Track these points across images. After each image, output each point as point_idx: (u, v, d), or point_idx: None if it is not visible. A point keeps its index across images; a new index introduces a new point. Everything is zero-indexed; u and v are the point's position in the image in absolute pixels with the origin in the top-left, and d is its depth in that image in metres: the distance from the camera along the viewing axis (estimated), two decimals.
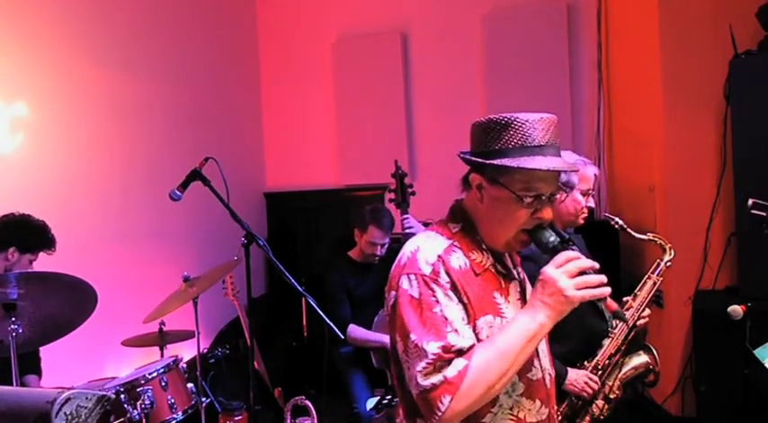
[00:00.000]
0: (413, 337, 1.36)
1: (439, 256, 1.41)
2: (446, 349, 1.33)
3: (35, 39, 3.47)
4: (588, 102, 4.66)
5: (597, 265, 1.38)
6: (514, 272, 1.56)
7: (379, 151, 4.94)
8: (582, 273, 1.36)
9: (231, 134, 5.12)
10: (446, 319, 1.36)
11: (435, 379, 1.32)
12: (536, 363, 1.50)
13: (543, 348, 1.56)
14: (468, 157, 1.48)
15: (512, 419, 1.44)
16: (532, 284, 1.63)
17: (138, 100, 4.15)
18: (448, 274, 1.39)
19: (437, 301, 1.37)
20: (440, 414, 1.32)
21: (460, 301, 1.39)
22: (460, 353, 1.34)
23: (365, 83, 5.13)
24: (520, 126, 1.40)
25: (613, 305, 1.39)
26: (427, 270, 1.39)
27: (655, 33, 3.75)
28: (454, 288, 1.39)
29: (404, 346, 1.39)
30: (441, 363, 1.33)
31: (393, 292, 1.44)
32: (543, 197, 1.42)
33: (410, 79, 5.09)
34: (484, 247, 1.49)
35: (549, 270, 1.37)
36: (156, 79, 4.33)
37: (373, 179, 4.93)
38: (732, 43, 3.39)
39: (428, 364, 1.33)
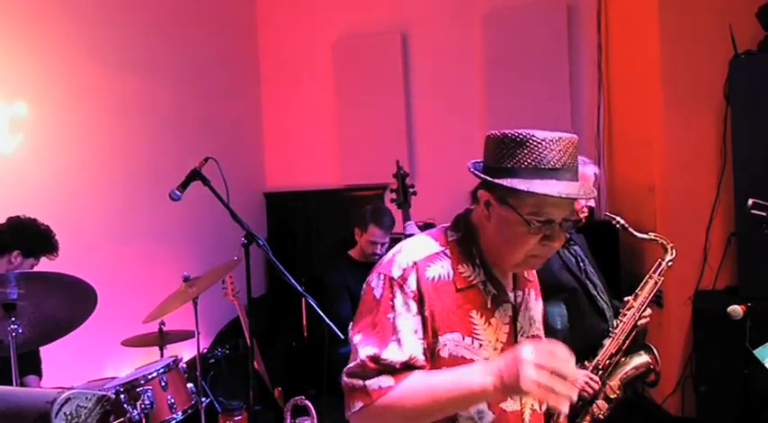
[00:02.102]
0: (357, 337, 1.36)
1: (414, 263, 1.37)
2: (374, 359, 1.30)
3: (35, 38, 3.47)
4: (588, 102, 4.66)
5: (576, 380, 1.31)
6: (510, 295, 1.47)
7: (379, 151, 4.94)
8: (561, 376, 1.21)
9: (231, 134, 5.12)
10: (395, 327, 1.32)
11: (356, 382, 1.31)
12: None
13: None
14: (477, 172, 1.41)
15: None
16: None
17: (137, 100, 4.15)
18: (417, 282, 1.35)
19: (392, 308, 1.33)
20: (349, 412, 1.33)
21: (420, 313, 1.34)
22: (389, 367, 1.30)
23: (365, 83, 5.13)
24: (535, 146, 1.32)
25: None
26: (396, 274, 1.36)
27: (655, 33, 3.75)
28: (419, 299, 1.34)
29: (352, 334, 1.39)
30: (366, 370, 1.31)
31: (364, 287, 1.43)
32: (554, 223, 1.33)
33: (410, 79, 5.09)
34: (478, 261, 1.42)
35: (526, 351, 1.22)
36: (156, 79, 4.32)
37: (373, 179, 4.93)
38: (732, 43, 3.39)
39: (355, 365, 1.32)
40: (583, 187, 1.38)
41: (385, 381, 1.29)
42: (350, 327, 3.58)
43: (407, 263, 1.37)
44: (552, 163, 1.32)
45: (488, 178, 1.36)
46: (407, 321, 1.33)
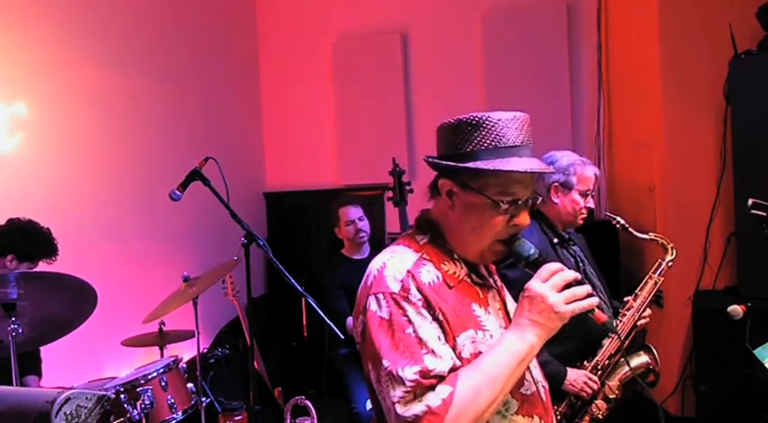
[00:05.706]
0: (385, 363, 1.23)
1: (408, 272, 1.30)
2: (424, 374, 1.21)
3: (35, 39, 3.47)
4: (588, 102, 4.66)
5: (579, 276, 1.31)
6: (491, 280, 1.47)
7: (378, 151, 4.93)
8: (568, 285, 1.28)
9: (231, 134, 5.12)
10: (420, 340, 1.24)
11: (417, 409, 1.20)
12: (528, 376, 1.40)
13: (533, 359, 1.44)
14: (435, 161, 1.37)
15: None
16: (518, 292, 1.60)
17: (137, 100, 4.15)
18: (419, 290, 1.28)
19: (409, 321, 1.25)
20: None
21: (435, 318, 1.27)
22: (441, 378, 1.22)
23: (365, 83, 5.13)
24: (492, 126, 1.31)
25: (602, 317, 1.32)
26: (396, 287, 1.28)
27: (655, 33, 3.75)
28: (427, 305, 1.27)
29: (376, 376, 1.26)
30: (421, 390, 1.20)
31: (361, 317, 1.32)
32: (520, 202, 1.33)
33: (410, 79, 5.09)
34: (456, 257, 1.38)
35: (535, 285, 1.27)
36: (157, 79, 4.33)
37: (373, 179, 4.92)
38: (732, 43, 3.39)
39: (406, 392, 1.21)
40: (541, 163, 1.38)
41: (443, 390, 1.21)
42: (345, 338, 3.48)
43: (401, 273, 1.30)
44: (511, 140, 1.31)
45: (450, 164, 1.33)
46: (429, 330, 1.26)
